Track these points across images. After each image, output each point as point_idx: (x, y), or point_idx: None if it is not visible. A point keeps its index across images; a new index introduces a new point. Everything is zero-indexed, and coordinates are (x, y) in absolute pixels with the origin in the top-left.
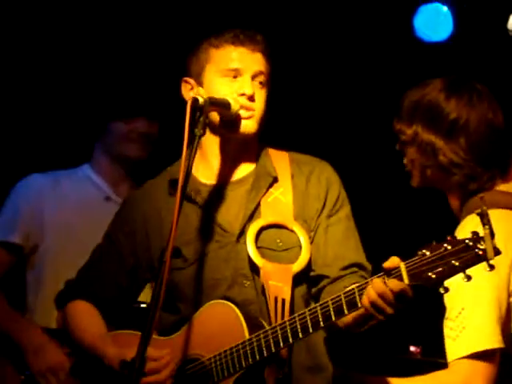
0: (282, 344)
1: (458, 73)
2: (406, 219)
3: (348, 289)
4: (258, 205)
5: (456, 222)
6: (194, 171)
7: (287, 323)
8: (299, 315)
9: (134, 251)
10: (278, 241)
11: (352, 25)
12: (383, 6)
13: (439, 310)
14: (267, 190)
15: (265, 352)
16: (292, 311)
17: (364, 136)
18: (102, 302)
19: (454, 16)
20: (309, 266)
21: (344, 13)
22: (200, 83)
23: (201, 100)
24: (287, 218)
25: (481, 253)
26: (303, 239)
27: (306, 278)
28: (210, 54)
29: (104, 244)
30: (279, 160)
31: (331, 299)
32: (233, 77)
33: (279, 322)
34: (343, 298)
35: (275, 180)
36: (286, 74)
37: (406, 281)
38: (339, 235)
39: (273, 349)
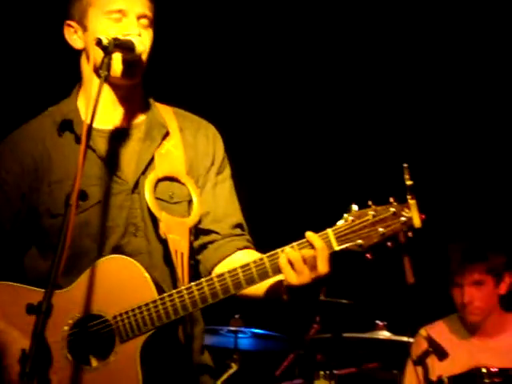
0: (200, 304)
1: None
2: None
3: (271, 253)
4: (152, 156)
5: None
6: (81, 115)
7: (204, 284)
8: (218, 276)
9: (23, 193)
10: (170, 193)
11: None
12: None
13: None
14: (161, 141)
15: (181, 312)
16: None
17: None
18: None
19: None
20: (199, 221)
21: None
22: (83, 26)
23: (105, 41)
24: (180, 171)
25: (406, 220)
26: (195, 194)
27: (194, 233)
28: None
29: None
30: (165, 113)
31: (255, 264)
32: (117, 18)
33: (185, 276)
34: (267, 262)
35: (167, 132)
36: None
37: (335, 246)
38: (227, 193)
39: (190, 309)
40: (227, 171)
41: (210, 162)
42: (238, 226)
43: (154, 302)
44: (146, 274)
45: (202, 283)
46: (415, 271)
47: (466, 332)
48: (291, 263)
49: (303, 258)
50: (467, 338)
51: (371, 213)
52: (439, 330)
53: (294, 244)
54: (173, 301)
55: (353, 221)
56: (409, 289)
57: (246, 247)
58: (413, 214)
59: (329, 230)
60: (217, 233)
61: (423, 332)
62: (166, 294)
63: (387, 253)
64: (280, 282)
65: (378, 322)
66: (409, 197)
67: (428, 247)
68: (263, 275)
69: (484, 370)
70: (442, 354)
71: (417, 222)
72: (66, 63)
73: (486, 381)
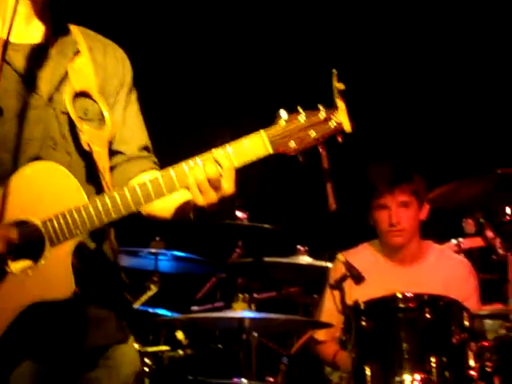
0: (133, 207)
1: None
2: None
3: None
4: (66, 71)
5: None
6: None
7: (137, 188)
8: (150, 181)
9: None
10: (85, 110)
11: None
12: None
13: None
14: (73, 57)
15: (113, 214)
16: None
17: None
18: None
19: None
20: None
21: None
22: None
23: None
24: (92, 88)
25: (336, 125)
26: (106, 110)
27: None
28: None
29: None
30: (75, 31)
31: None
32: None
33: (110, 187)
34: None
35: (78, 50)
36: None
37: (270, 149)
38: (134, 115)
39: (123, 211)
40: (135, 94)
41: (120, 83)
42: (145, 148)
43: (85, 205)
44: (73, 177)
45: (134, 187)
46: (337, 197)
47: (386, 257)
48: (197, 183)
49: (208, 178)
50: (386, 263)
51: (302, 118)
52: (358, 255)
53: (198, 159)
54: (104, 203)
55: (284, 124)
56: (330, 214)
57: (151, 168)
58: (342, 118)
59: (262, 132)
60: (123, 153)
61: (341, 257)
62: (96, 198)
63: (310, 178)
64: (187, 203)
65: (299, 246)
66: (339, 101)
67: (348, 173)
68: (171, 188)
69: (399, 295)
70: (358, 279)
71: (347, 126)
72: None
73: (401, 305)
